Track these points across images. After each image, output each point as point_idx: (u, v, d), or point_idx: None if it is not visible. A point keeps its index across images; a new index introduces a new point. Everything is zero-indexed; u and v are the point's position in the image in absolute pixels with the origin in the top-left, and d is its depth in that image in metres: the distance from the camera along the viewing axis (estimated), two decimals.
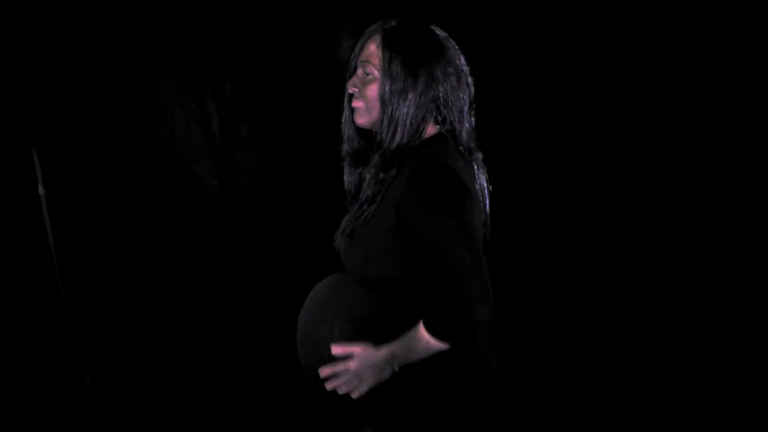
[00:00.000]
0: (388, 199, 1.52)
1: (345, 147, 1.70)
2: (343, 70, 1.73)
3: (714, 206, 2.79)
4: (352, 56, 1.63)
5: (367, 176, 1.61)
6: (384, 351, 1.49)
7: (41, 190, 2.82)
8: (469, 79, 1.63)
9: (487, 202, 1.68)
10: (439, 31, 1.61)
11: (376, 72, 1.57)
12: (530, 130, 2.92)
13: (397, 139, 1.56)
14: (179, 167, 3.16)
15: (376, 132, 1.63)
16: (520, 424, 2.41)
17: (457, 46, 1.61)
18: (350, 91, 1.62)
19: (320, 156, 2.73)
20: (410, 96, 1.54)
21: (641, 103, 2.85)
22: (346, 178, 1.72)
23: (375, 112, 1.59)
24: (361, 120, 1.62)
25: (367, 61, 1.58)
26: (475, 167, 1.64)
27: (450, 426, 1.51)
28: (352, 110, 1.65)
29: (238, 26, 3.13)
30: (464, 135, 1.60)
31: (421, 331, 1.47)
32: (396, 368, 1.50)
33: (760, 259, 2.73)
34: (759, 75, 2.68)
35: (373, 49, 1.57)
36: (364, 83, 1.59)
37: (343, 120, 1.69)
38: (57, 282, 2.81)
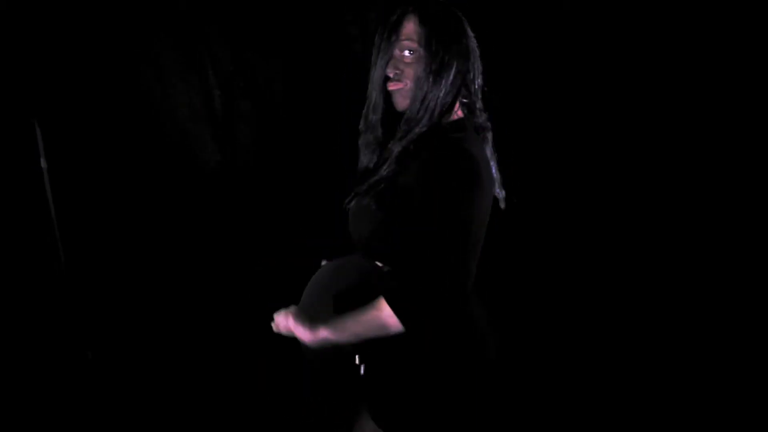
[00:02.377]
0: (404, 178, 1.50)
1: (368, 136, 1.64)
2: (343, 45, 1.68)
3: (714, 206, 2.81)
4: (381, 39, 1.57)
5: (394, 150, 1.56)
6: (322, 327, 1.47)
7: (43, 164, 2.82)
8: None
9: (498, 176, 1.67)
10: (456, 10, 1.59)
11: (421, 50, 1.53)
12: (530, 129, 2.92)
13: (427, 118, 1.53)
14: (180, 141, 3.15)
15: (408, 112, 1.56)
16: (521, 423, 2.48)
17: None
18: (390, 74, 1.56)
19: (322, 133, 2.76)
20: (445, 74, 1.52)
21: (641, 102, 2.87)
22: (363, 160, 1.66)
23: (414, 93, 1.54)
24: (405, 102, 1.57)
25: (408, 40, 1.54)
26: (487, 146, 1.63)
27: (443, 407, 1.52)
28: (386, 95, 1.59)
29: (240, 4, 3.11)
30: (479, 110, 1.59)
31: (377, 306, 1.43)
32: (335, 336, 1.46)
33: (760, 259, 2.75)
34: (759, 75, 2.70)
35: (412, 27, 1.54)
36: (407, 63, 1.55)
37: (370, 107, 1.61)
38: (59, 256, 2.83)
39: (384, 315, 1.43)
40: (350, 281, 1.55)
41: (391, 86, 1.57)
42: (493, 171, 1.64)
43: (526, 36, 2.90)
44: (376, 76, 1.58)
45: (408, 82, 1.55)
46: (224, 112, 3.19)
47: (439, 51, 1.52)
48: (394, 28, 1.55)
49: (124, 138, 3.07)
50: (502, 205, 1.68)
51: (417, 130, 1.53)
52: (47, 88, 2.91)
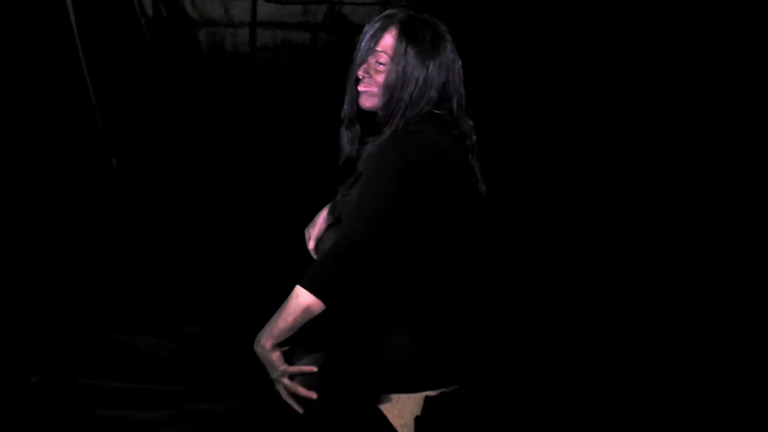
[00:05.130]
0: None
1: (351, 130, 1.82)
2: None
3: (713, 209, 2.80)
4: (362, 44, 1.74)
5: (364, 153, 1.75)
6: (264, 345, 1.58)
7: None
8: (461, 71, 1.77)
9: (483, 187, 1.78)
10: (442, 25, 1.76)
11: (389, 62, 1.68)
12: (529, 131, 2.93)
13: (396, 123, 1.67)
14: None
15: (378, 114, 1.74)
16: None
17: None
18: (360, 75, 1.72)
19: (323, 130, 2.72)
20: (414, 88, 1.66)
21: (642, 104, 2.87)
22: (344, 146, 1.83)
23: (380, 99, 1.71)
24: (368, 103, 1.73)
25: (383, 52, 1.70)
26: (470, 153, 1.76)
27: None
28: (357, 94, 1.76)
29: None
30: (462, 121, 1.74)
31: (292, 294, 1.57)
32: (272, 343, 1.58)
33: (760, 261, 2.73)
34: (760, 75, 2.69)
35: (389, 40, 1.70)
36: (376, 71, 1.70)
37: (346, 102, 1.79)
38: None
39: (300, 298, 1.55)
40: None
41: (360, 87, 1.73)
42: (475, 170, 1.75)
43: (526, 36, 2.91)
44: (352, 74, 1.75)
45: (375, 87, 1.70)
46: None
47: (412, 63, 1.66)
48: (374, 37, 1.71)
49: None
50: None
51: (384, 137, 1.68)
52: None
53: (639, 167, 2.91)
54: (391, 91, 1.68)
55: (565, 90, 2.93)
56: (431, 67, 1.68)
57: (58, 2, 2.82)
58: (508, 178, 2.79)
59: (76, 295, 2.89)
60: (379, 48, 1.70)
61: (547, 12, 2.92)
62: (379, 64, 1.70)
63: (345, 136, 1.83)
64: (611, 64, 2.88)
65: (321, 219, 2.02)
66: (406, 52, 1.68)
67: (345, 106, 1.81)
